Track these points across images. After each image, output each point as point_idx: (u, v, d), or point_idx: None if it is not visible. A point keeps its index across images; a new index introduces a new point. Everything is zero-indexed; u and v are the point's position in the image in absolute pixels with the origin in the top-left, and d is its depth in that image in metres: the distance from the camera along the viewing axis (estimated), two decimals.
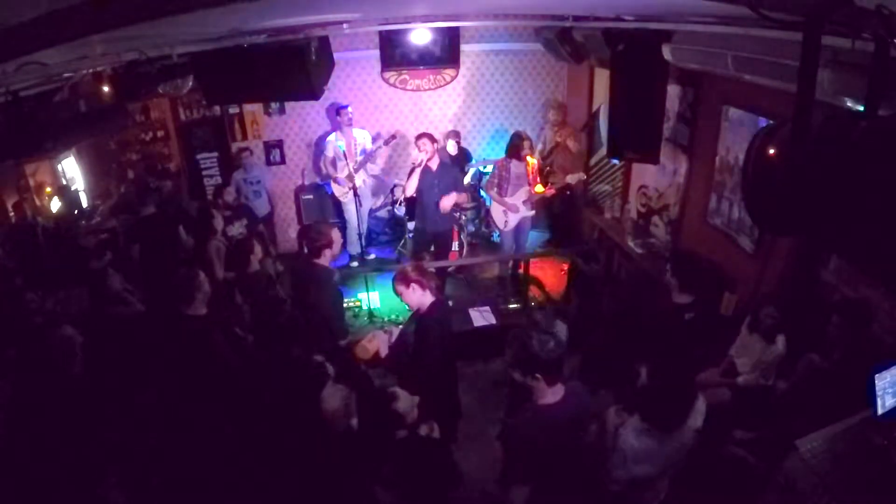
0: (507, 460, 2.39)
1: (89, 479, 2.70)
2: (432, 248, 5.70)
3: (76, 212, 5.53)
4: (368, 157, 6.33)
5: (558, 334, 2.28)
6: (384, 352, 3.42)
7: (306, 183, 7.05)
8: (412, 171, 5.29)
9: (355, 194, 6.19)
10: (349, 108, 6.31)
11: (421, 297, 3.25)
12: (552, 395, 2.32)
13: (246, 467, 2.88)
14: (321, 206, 6.91)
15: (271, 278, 4.22)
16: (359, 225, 6.33)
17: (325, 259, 3.69)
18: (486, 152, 7.18)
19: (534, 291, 5.85)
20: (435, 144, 5.28)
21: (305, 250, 3.83)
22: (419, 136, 5.29)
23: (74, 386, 3.01)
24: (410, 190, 5.32)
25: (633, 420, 2.44)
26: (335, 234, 3.72)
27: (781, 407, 3.05)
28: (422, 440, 2.64)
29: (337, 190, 6.40)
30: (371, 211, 7.02)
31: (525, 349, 2.24)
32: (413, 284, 3.21)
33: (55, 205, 5.41)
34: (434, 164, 5.24)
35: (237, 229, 5.13)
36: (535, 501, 2.34)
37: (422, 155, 5.18)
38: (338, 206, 6.66)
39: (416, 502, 2.41)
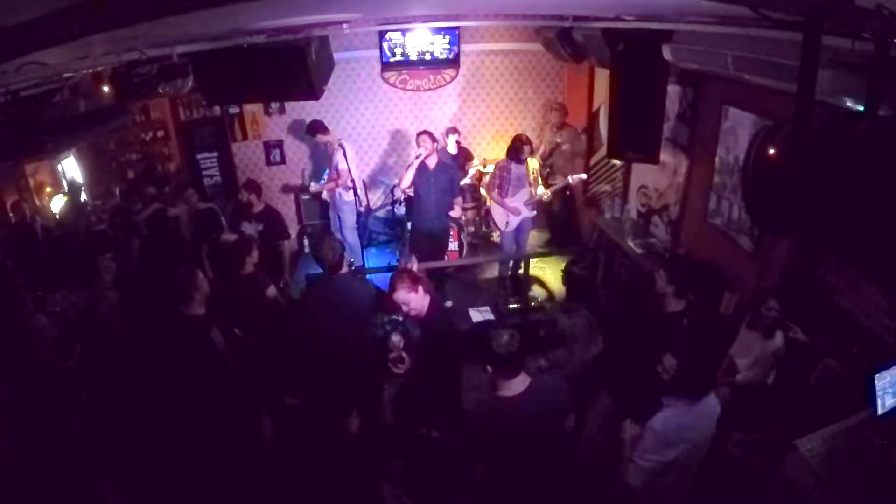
0: (464, 443, 2.51)
1: (88, 481, 2.70)
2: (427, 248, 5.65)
3: (77, 212, 5.52)
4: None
5: (514, 333, 2.41)
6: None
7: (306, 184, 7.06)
8: (410, 164, 5.29)
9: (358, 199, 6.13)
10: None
11: (423, 299, 3.28)
12: (510, 388, 2.43)
13: (247, 467, 2.89)
14: (322, 207, 6.91)
15: (263, 282, 4.16)
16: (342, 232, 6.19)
17: (344, 269, 3.65)
18: (486, 152, 7.19)
19: (534, 291, 5.85)
20: (435, 144, 5.26)
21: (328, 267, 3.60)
22: (420, 133, 5.27)
23: (70, 385, 3.01)
24: (406, 182, 5.29)
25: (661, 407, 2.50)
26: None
27: (789, 408, 3.04)
28: (432, 439, 2.66)
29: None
30: (370, 211, 7.01)
31: (482, 343, 2.39)
32: (419, 287, 3.23)
33: (56, 204, 5.40)
34: (432, 163, 5.23)
35: (251, 229, 5.10)
36: (492, 478, 2.48)
37: (421, 150, 5.15)
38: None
39: (423, 500, 2.43)
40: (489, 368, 2.42)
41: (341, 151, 5.83)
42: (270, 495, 2.79)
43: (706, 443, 2.54)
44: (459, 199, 5.47)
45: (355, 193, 6.10)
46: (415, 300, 3.21)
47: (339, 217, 6.29)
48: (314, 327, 3.60)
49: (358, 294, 3.58)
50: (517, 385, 2.43)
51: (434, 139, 5.26)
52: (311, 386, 3.39)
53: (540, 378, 2.54)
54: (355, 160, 5.96)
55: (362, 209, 6.39)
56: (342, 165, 5.81)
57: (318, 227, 6.93)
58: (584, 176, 5.99)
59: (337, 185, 5.98)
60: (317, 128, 5.95)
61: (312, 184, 6.42)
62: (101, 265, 4.22)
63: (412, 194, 5.46)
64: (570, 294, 3.80)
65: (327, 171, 6.25)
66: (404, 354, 3.34)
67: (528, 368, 2.53)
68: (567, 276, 3.77)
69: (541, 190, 5.48)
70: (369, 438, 2.72)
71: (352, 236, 6.32)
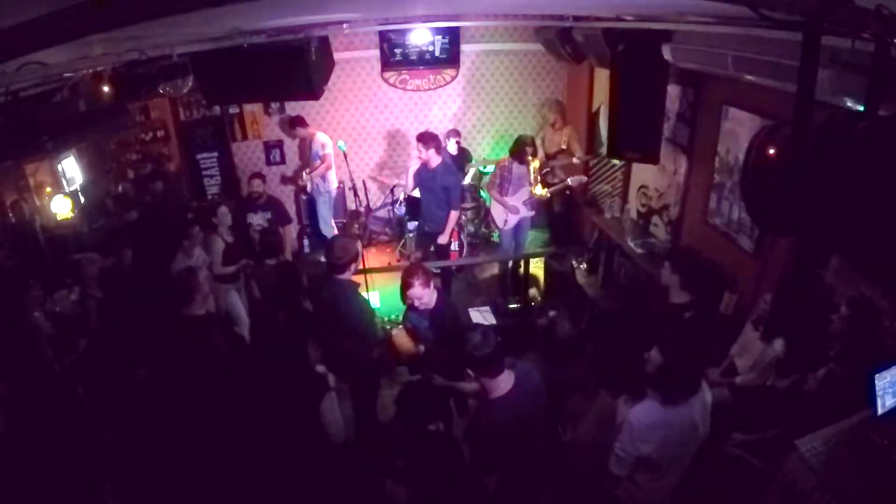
0: (474, 455, 2.48)
1: (84, 486, 2.69)
2: (432, 248, 5.69)
3: (84, 214, 5.54)
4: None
5: (486, 332, 2.38)
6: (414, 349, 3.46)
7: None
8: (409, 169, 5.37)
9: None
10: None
11: (433, 294, 3.36)
12: (500, 387, 2.40)
13: (246, 468, 2.88)
14: (310, 205, 6.93)
15: (297, 271, 4.20)
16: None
17: (349, 274, 3.59)
18: (486, 152, 7.18)
19: (533, 291, 5.85)
20: (430, 150, 5.05)
21: (328, 267, 3.57)
22: (425, 139, 5.05)
23: (68, 385, 3.01)
24: (409, 188, 5.41)
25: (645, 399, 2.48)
26: (358, 248, 3.68)
27: (789, 410, 3.03)
28: (433, 435, 2.67)
29: None
30: (371, 210, 7.01)
31: (457, 350, 2.35)
32: (431, 282, 3.32)
33: (59, 205, 5.38)
34: (434, 164, 5.15)
35: (259, 219, 5.23)
36: (504, 486, 2.45)
37: (416, 159, 5.17)
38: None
39: (426, 494, 2.43)
40: (471, 373, 2.40)
41: (320, 141, 6.34)
42: (272, 494, 2.79)
43: (689, 447, 2.51)
44: (455, 214, 5.30)
45: (355, 194, 6.14)
46: (426, 295, 3.30)
47: (316, 212, 6.50)
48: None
49: (348, 307, 3.51)
50: (505, 382, 2.41)
51: (430, 145, 5.04)
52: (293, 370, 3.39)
53: (516, 367, 2.52)
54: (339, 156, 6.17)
55: (362, 208, 6.43)
56: (326, 150, 6.31)
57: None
58: (584, 178, 5.98)
59: (329, 168, 6.41)
60: (301, 121, 6.43)
61: (304, 174, 6.58)
62: (83, 264, 4.26)
63: (416, 195, 5.53)
64: (549, 289, 3.84)
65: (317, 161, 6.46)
66: (422, 348, 3.40)
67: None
68: (546, 271, 3.80)
69: (539, 189, 5.47)
70: (368, 438, 2.73)
71: (328, 231, 6.49)
